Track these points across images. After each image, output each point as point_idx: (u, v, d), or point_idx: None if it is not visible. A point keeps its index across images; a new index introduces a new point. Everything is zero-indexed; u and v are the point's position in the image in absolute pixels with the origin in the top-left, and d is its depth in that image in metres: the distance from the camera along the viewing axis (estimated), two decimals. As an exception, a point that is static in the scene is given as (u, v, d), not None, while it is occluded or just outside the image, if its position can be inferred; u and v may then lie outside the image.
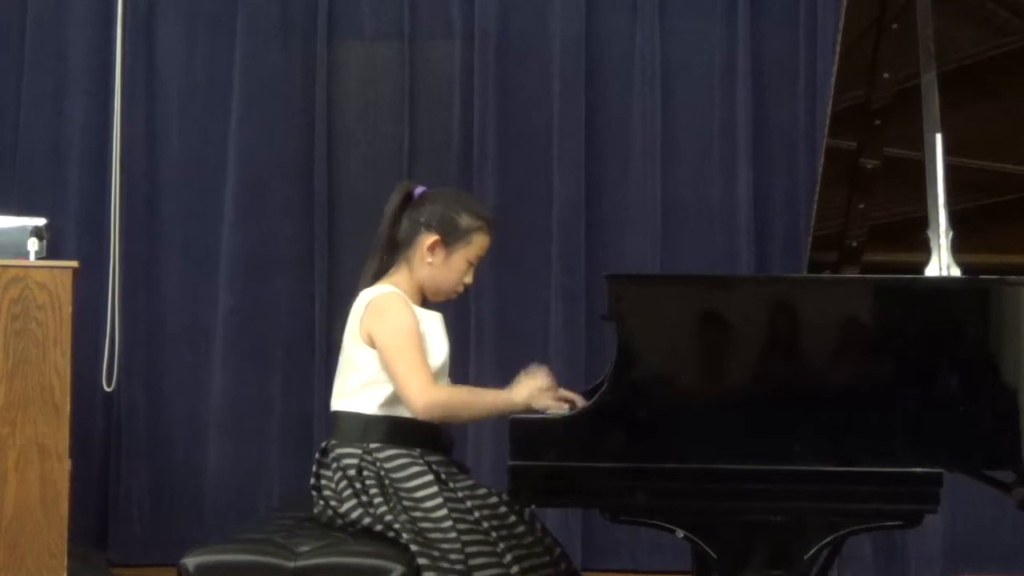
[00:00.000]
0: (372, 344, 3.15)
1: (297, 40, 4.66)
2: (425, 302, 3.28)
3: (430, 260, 3.23)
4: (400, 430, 3.14)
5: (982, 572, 4.51)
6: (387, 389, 3.14)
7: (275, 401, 4.60)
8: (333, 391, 3.25)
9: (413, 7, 4.65)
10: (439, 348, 3.20)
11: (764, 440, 2.69)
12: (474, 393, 3.22)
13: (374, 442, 3.13)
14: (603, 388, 2.73)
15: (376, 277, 3.26)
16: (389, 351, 3.12)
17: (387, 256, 3.27)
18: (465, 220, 3.24)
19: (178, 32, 4.65)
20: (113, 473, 4.54)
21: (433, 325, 3.22)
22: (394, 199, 3.29)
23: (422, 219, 3.23)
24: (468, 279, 3.28)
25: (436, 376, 3.16)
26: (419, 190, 3.30)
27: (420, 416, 3.11)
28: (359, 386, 3.17)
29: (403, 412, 3.14)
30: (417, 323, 3.16)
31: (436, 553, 3.00)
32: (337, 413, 3.21)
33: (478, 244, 3.26)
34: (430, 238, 3.22)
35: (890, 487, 2.68)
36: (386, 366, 3.13)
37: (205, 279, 4.60)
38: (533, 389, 3.05)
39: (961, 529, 4.47)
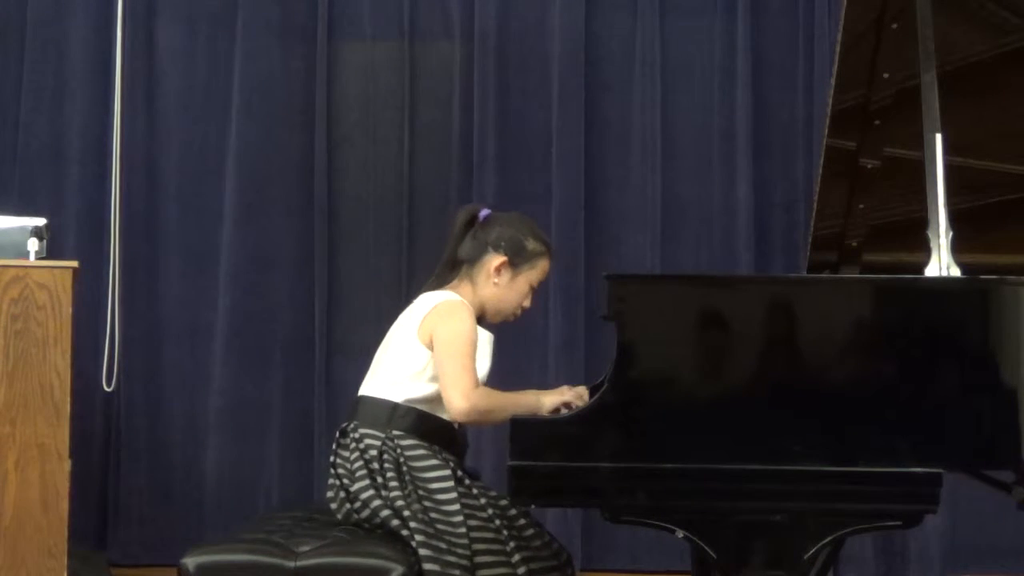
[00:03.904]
0: (430, 345, 3.18)
1: (297, 40, 4.66)
2: (479, 321, 3.31)
3: (496, 280, 3.27)
4: (424, 425, 3.17)
5: (982, 572, 4.51)
6: (426, 388, 3.18)
7: (275, 401, 4.60)
8: (367, 377, 3.28)
9: (413, 7, 4.64)
10: (482, 365, 3.23)
11: (764, 440, 2.69)
12: (508, 397, 3.18)
13: (398, 430, 3.16)
14: (603, 388, 2.73)
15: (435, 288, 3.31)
16: (444, 351, 3.14)
17: (446, 272, 3.32)
18: (532, 244, 3.30)
19: (178, 32, 4.64)
20: (113, 473, 4.53)
21: (483, 342, 3.25)
22: (460, 219, 3.34)
23: (490, 240, 3.28)
24: (527, 303, 3.34)
25: None
26: (484, 212, 3.34)
27: (457, 419, 3.14)
28: (399, 378, 3.20)
29: (431, 411, 3.18)
30: (476, 334, 3.19)
31: (442, 546, 3.02)
32: (364, 397, 3.24)
33: (541, 268, 3.33)
34: (497, 259, 3.27)
35: (890, 487, 2.68)
36: (437, 364, 3.15)
37: (205, 279, 4.60)
38: (565, 397, 3.11)
39: (961, 529, 4.47)
